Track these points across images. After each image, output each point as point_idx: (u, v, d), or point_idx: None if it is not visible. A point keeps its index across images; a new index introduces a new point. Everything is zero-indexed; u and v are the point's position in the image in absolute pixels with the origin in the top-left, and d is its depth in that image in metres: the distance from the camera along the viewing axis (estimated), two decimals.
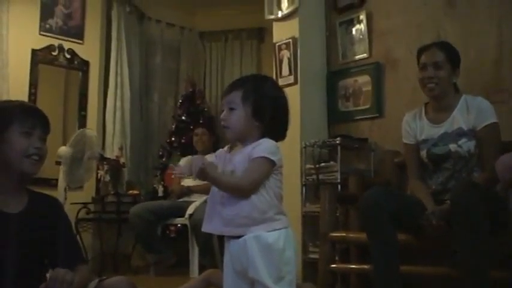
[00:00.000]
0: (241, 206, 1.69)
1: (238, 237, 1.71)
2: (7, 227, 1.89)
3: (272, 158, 1.72)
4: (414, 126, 3.12)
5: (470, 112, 2.94)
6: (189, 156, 1.53)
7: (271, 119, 1.77)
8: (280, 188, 1.79)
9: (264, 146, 1.72)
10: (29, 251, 1.92)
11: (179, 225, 5.06)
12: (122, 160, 5.50)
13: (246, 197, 1.70)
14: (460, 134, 2.94)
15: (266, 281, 1.65)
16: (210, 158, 1.80)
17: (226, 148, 1.87)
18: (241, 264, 1.70)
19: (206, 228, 1.77)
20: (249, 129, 1.77)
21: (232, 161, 1.77)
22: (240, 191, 1.70)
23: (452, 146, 2.94)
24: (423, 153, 3.05)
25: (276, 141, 1.79)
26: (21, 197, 2.00)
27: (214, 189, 1.77)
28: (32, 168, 1.96)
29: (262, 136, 1.77)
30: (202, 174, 1.65)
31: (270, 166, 1.73)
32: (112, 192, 5.32)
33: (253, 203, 1.70)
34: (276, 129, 1.80)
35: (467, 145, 2.91)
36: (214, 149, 5.26)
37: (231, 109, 1.78)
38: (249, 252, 1.67)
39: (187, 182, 5.08)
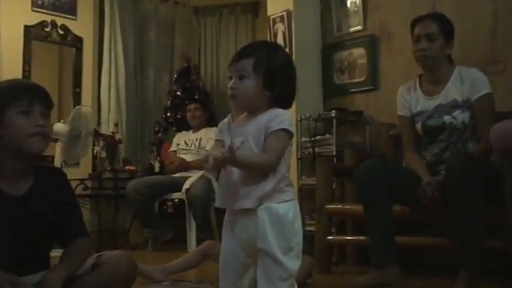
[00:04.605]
0: (258, 180, 1.66)
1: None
2: (14, 210, 1.87)
3: (290, 129, 1.69)
4: (409, 99, 3.12)
5: (464, 83, 2.95)
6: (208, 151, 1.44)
7: (282, 89, 1.73)
8: (289, 159, 1.77)
9: (283, 118, 1.68)
10: (36, 231, 1.90)
11: (176, 200, 5.08)
12: (118, 136, 5.49)
13: (271, 171, 1.67)
14: (454, 105, 2.95)
15: (276, 251, 1.64)
16: (212, 132, 1.73)
17: (228, 118, 1.80)
18: (249, 234, 1.68)
19: (224, 205, 1.72)
20: (259, 98, 1.71)
21: (243, 132, 1.71)
22: (269, 167, 1.66)
23: (447, 118, 2.95)
24: (418, 125, 3.06)
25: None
26: (27, 176, 1.94)
27: (229, 167, 1.69)
28: (38, 147, 1.87)
29: (270, 106, 1.72)
30: (230, 162, 1.58)
31: (289, 138, 1.71)
32: (108, 168, 5.33)
33: (269, 176, 1.67)
34: (285, 99, 1.75)
35: (461, 116, 2.92)
36: (207, 124, 5.27)
37: (241, 77, 1.70)
38: (260, 223, 1.65)
39: (186, 158, 5.10)
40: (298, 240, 1.69)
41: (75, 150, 4.60)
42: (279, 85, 1.71)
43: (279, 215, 1.66)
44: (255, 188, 1.66)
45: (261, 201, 1.66)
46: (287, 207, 1.69)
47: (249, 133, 1.69)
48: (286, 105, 1.76)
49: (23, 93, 1.88)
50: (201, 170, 4.92)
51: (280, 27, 4.41)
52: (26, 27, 5.30)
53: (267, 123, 1.67)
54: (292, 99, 1.78)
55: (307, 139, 4.11)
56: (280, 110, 1.70)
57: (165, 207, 5.31)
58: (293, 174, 4.15)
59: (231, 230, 1.73)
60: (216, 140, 1.81)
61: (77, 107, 4.88)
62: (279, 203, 1.68)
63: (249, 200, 1.66)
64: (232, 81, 1.72)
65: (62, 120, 4.76)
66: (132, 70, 6.06)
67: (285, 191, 1.71)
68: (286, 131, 1.68)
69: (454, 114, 2.94)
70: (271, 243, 1.64)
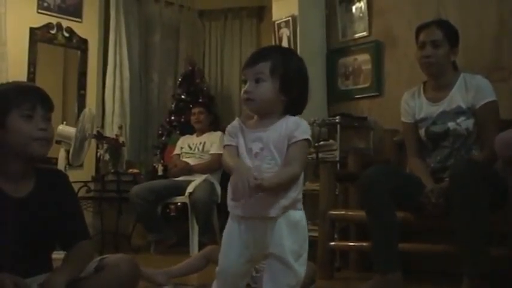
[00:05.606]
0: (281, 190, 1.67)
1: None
2: (16, 212, 1.87)
3: (310, 138, 1.70)
4: (413, 105, 3.12)
5: (469, 90, 2.94)
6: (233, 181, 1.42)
7: (297, 93, 1.72)
8: None
9: (305, 127, 1.68)
10: (37, 233, 1.91)
11: (179, 203, 5.08)
12: (122, 139, 5.48)
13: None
14: (458, 112, 2.94)
15: (288, 256, 1.64)
16: (216, 136, 1.69)
17: (238, 123, 1.77)
18: (262, 240, 1.67)
19: (246, 212, 1.68)
20: (275, 102, 1.70)
21: (262, 138, 1.69)
22: (296, 179, 1.68)
23: (451, 124, 2.94)
24: (422, 131, 3.06)
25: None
26: (29, 178, 1.95)
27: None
28: (41, 150, 1.89)
29: (285, 111, 1.72)
30: (259, 190, 1.57)
31: (309, 147, 1.72)
32: (112, 171, 5.33)
33: (293, 185, 1.68)
34: (298, 104, 1.75)
35: (465, 123, 2.92)
36: (211, 127, 5.28)
37: (258, 81, 1.69)
38: (276, 229, 1.65)
39: (189, 161, 5.10)
40: (306, 247, 1.71)
41: (82, 152, 4.62)
42: (295, 89, 1.71)
43: (296, 220, 1.68)
44: (280, 197, 1.65)
45: (285, 210, 1.66)
46: (301, 213, 1.71)
47: (269, 140, 1.68)
48: (299, 111, 1.75)
49: (25, 97, 1.89)
50: (204, 173, 4.93)
51: (285, 32, 4.41)
52: (32, 30, 5.32)
53: (290, 132, 1.67)
54: (305, 104, 1.78)
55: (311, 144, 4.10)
56: (298, 118, 1.71)
57: (167, 210, 5.31)
58: None
59: (238, 235, 1.72)
60: (227, 145, 1.77)
61: (84, 110, 4.89)
62: (295, 210, 1.69)
63: (274, 209, 1.65)
64: (248, 84, 1.71)
65: (64, 122, 4.77)
66: (137, 73, 6.07)
67: (300, 200, 1.72)
68: (308, 140, 1.68)
69: (458, 120, 2.93)
70: (284, 247, 1.65)
